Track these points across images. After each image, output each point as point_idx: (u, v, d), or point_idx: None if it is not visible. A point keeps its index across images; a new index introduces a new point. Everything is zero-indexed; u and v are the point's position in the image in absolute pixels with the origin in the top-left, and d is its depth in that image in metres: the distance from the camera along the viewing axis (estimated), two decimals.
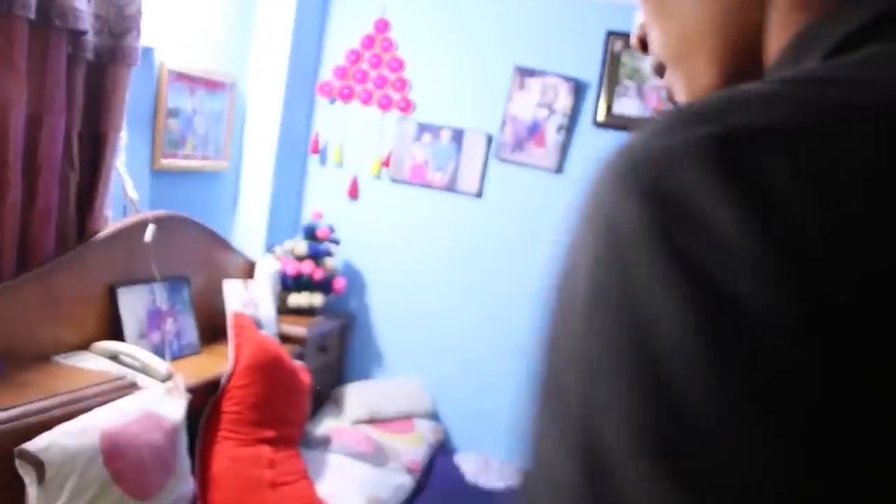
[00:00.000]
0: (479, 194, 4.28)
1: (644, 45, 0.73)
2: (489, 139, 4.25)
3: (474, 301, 4.31)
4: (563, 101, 4.11)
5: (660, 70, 0.71)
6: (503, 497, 3.75)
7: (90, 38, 2.51)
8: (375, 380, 4.38)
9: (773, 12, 0.60)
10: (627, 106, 4.07)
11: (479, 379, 4.30)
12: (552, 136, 4.14)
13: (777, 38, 0.60)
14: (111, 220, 2.82)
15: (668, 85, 0.71)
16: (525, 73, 4.13)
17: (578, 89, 4.12)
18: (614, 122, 4.02)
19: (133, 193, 2.97)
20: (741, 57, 0.63)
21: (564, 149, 4.13)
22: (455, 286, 4.33)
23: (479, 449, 4.21)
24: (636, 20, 0.74)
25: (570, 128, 4.13)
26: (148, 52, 3.14)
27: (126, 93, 2.70)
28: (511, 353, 4.25)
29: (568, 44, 4.13)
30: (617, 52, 4.08)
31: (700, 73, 0.66)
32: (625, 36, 4.07)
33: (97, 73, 2.62)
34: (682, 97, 0.69)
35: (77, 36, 2.46)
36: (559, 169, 4.14)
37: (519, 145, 4.18)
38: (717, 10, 0.63)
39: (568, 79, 4.11)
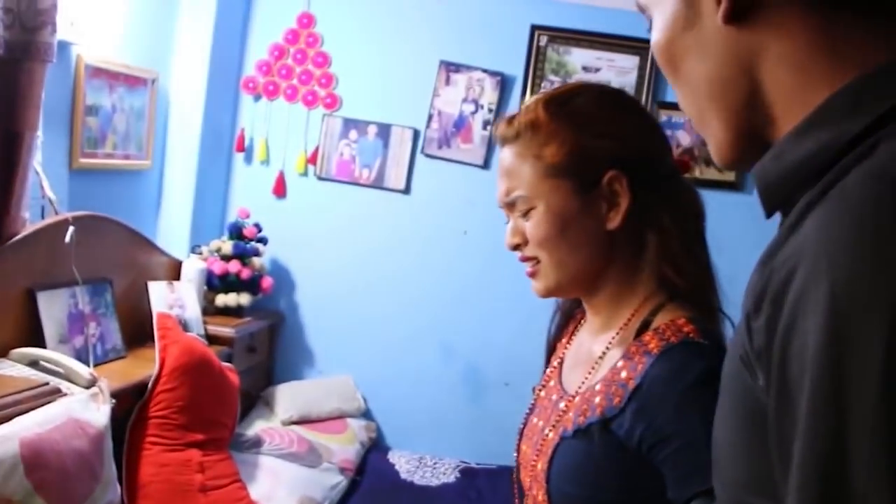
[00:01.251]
0: (406, 190, 4.27)
1: None
2: (416, 134, 4.24)
3: (404, 297, 4.30)
4: (489, 95, 4.13)
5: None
6: (437, 494, 3.75)
7: (0, 34, 2.43)
8: (306, 380, 4.34)
9: (766, 77, 0.73)
10: None
11: (411, 376, 4.29)
12: (478, 131, 4.16)
13: (785, 93, 0.72)
14: (29, 221, 2.73)
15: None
16: (451, 67, 4.13)
17: (504, 84, 4.14)
18: None
19: (51, 194, 2.88)
20: (747, 115, 0.75)
21: (491, 144, 4.14)
22: (384, 283, 4.31)
23: (413, 447, 4.21)
24: None
25: (495, 122, 4.13)
26: (65, 46, 3.05)
27: (41, 90, 2.62)
28: (442, 348, 4.26)
29: (493, 38, 4.14)
30: (542, 46, 4.11)
31: (715, 131, 0.78)
32: (549, 30, 4.10)
33: (10, 70, 2.53)
34: (709, 143, 0.81)
35: None
36: (486, 164, 4.16)
37: (445, 140, 4.18)
38: (712, 78, 0.76)
39: (493, 73, 4.12)
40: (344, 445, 3.88)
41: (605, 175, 1.25)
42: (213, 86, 4.06)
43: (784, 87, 0.72)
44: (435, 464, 4.01)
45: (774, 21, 0.71)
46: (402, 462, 3.99)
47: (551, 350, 1.50)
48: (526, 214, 1.31)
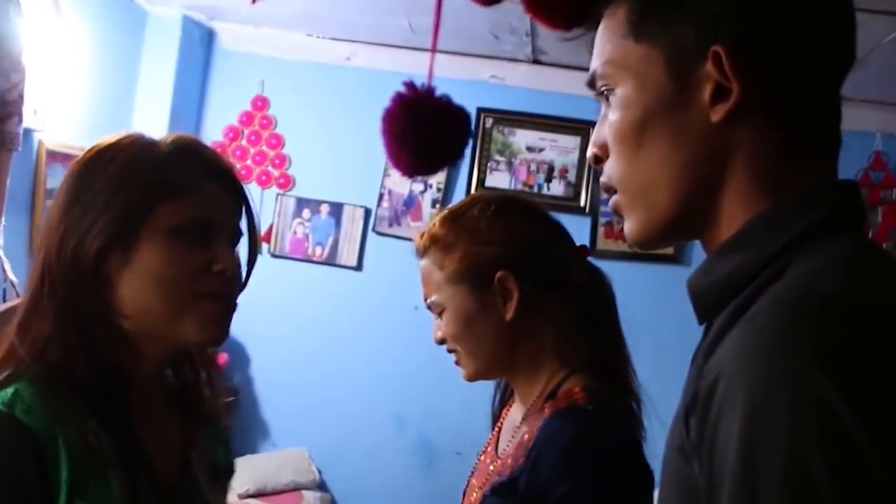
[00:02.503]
0: (358, 267, 4.39)
1: (598, 161, 0.90)
2: (367, 213, 4.37)
3: (357, 370, 4.38)
4: (438, 175, 4.27)
5: (607, 189, 0.89)
6: None
7: None
8: (261, 453, 4.37)
9: (730, 177, 0.80)
10: (499, 179, 4.27)
11: (365, 447, 4.35)
12: (428, 210, 4.30)
13: (735, 203, 0.80)
14: None
15: (616, 203, 0.88)
16: None
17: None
18: None
19: (13, 277, 2.95)
20: (695, 203, 0.82)
21: None
22: (337, 357, 4.39)
23: None
24: (593, 138, 0.90)
25: (444, 201, 4.29)
26: (27, 133, 3.15)
27: (7, 177, 2.72)
28: (394, 419, 4.33)
29: None
30: (487, 127, 4.29)
31: (661, 206, 0.83)
32: (494, 112, 4.28)
33: None
34: (634, 218, 0.86)
35: None
36: None
37: (396, 219, 4.32)
38: (684, 165, 0.81)
39: None
40: None
41: (496, 275, 1.42)
42: None
43: (740, 190, 0.80)
44: None
45: (752, 126, 0.79)
46: None
47: (495, 419, 1.64)
48: (441, 315, 1.48)
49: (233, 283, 1.18)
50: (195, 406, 1.27)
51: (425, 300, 1.50)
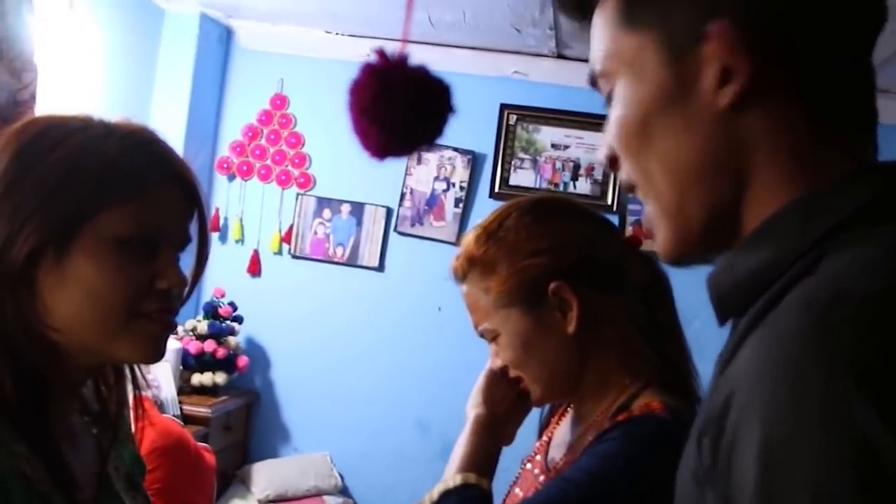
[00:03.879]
0: (380, 268, 4.32)
1: (613, 163, 0.80)
2: (388, 213, 4.30)
3: (379, 374, 4.32)
4: (461, 174, 4.21)
5: (629, 188, 0.79)
6: None
7: None
8: (282, 457, 4.33)
9: (752, 168, 0.70)
10: (523, 177, 4.19)
11: (388, 452, 4.29)
12: (451, 209, 4.23)
13: (760, 197, 0.70)
14: None
15: (647, 217, 0.79)
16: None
17: (475, 162, 4.22)
18: (511, 194, 4.11)
19: None
20: (727, 202, 0.72)
21: (463, 221, 4.21)
22: (359, 359, 4.33)
23: None
24: (604, 139, 0.80)
25: (467, 200, 4.21)
26: None
27: None
28: (418, 424, 4.26)
29: (463, 117, 4.15)
30: (511, 124, 4.21)
31: (684, 213, 0.74)
32: (518, 108, 4.20)
33: None
34: (661, 231, 0.77)
35: None
36: (458, 241, 4.20)
37: (418, 218, 4.25)
38: (699, 160, 0.72)
39: (464, 152, 4.21)
40: None
41: (549, 287, 1.29)
42: None
43: (766, 183, 0.70)
44: None
45: (770, 112, 0.70)
46: None
47: (543, 427, 1.54)
48: (497, 341, 1.36)
49: (176, 303, 1.06)
50: (110, 418, 1.15)
51: (476, 327, 1.37)
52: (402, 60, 1.30)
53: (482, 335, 1.38)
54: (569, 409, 1.49)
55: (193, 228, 1.10)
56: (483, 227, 1.38)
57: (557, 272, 1.29)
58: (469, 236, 1.38)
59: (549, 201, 1.44)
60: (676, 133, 0.72)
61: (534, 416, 1.52)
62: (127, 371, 1.16)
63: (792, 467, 0.53)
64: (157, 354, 1.05)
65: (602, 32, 0.79)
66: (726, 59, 0.69)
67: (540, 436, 1.53)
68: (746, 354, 0.61)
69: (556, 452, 1.40)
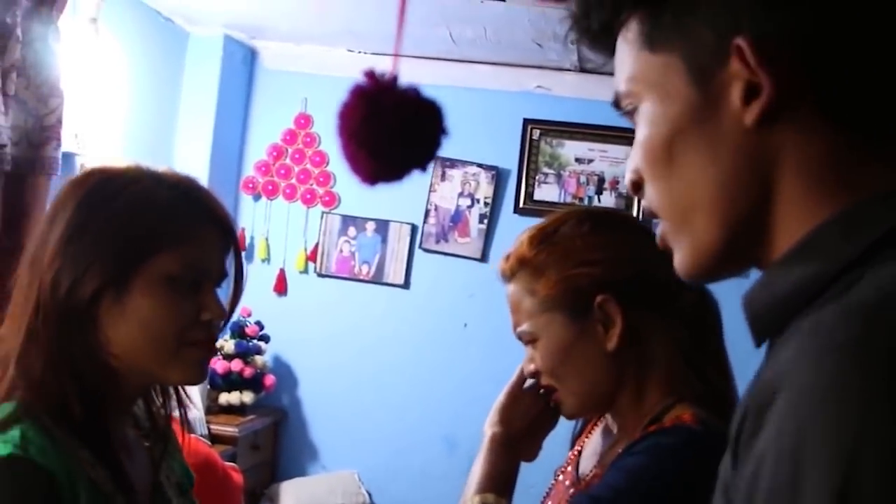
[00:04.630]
0: (405, 285, 4.32)
1: (637, 188, 0.80)
2: (413, 230, 4.31)
3: (406, 391, 4.31)
4: (485, 189, 4.21)
5: (650, 215, 0.80)
6: None
7: (8, 150, 2.51)
8: (310, 476, 4.32)
9: (780, 188, 0.69)
10: (547, 192, 4.18)
11: (416, 470, 4.28)
12: (475, 225, 4.22)
13: (791, 217, 0.69)
14: None
15: (662, 233, 0.79)
16: (446, 163, 4.22)
17: (499, 177, 4.22)
18: (535, 209, 4.11)
19: None
20: (748, 224, 0.71)
21: (487, 237, 4.20)
22: (386, 377, 4.33)
23: None
24: (629, 164, 0.80)
25: (492, 216, 4.21)
26: (69, 157, 3.13)
27: (46, 203, 2.69)
28: (445, 441, 4.25)
29: (486, 133, 4.23)
30: (535, 139, 4.20)
31: (702, 234, 0.74)
32: (541, 123, 4.20)
33: (16, 185, 2.61)
34: (680, 250, 0.77)
35: None
36: (483, 257, 4.21)
37: (443, 235, 4.25)
38: (723, 180, 0.71)
39: (488, 168, 4.21)
40: None
41: (596, 300, 1.26)
42: (212, 187, 4.06)
43: (794, 200, 0.69)
44: None
45: (797, 126, 0.68)
46: None
47: (575, 437, 1.52)
48: (534, 345, 1.34)
49: (217, 332, 1.24)
50: (160, 431, 1.31)
51: (514, 329, 1.36)
52: (391, 82, 1.27)
53: (520, 337, 1.36)
54: (598, 423, 1.47)
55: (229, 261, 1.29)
56: (539, 229, 1.36)
57: (606, 285, 1.27)
58: (524, 236, 1.36)
59: (610, 214, 1.42)
60: (702, 151, 0.72)
61: (568, 425, 1.51)
62: (171, 391, 1.33)
63: (815, 481, 0.52)
64: (202, 376, 1.23)
65: (626, 55, 0.79)
66: (750, 76, 0.67)
67: (572, 446, 1.51)
68: (783, 362, 0.59)
69: (587, 464, 1.39)
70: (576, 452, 1.47)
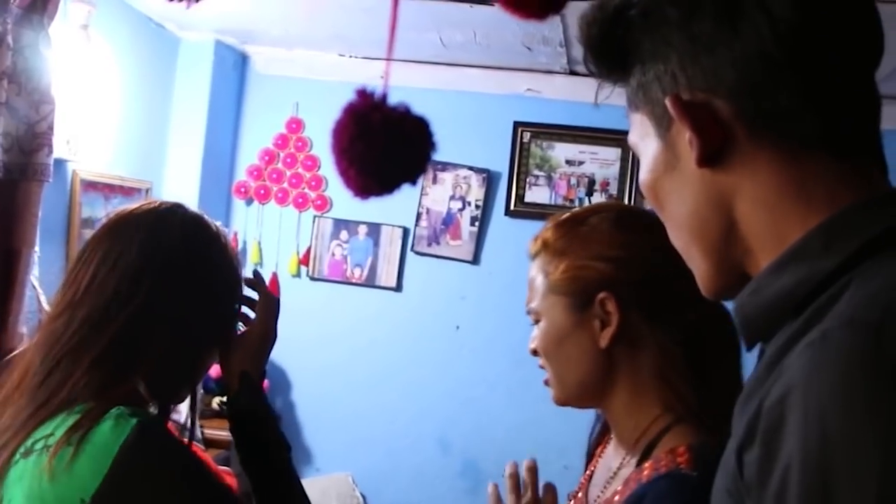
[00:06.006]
0: (397, 288, 4.33)
1: None
2: (405, 233, 4.32)
3: (399, 393, 4.33)
4: (476, 192, 4.22)
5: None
6: None
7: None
8: (304, 479, 4.30)
9: (741, 216, 0.77)
10: (538, 194, 4.20)
11: (409, 471, 4.29)
12: (467, 228, 4.24)
13: (760, 231, 0.76)
14: (27, 336, 2.78)
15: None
16: (437, 166, 4.23)
17: (490, 180, 4.23)
18: (526, 211, 4.13)
19: (47, 306, 2.93)
20: (727, 250, 0.80)
21: (479, 239, 4.22)
22: (379, 379, 4.34)
23: None
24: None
25: (483, 218, 4.23)
26: (61, 164, 3.15)
27: (38, 208, 2.70)
28: (438, 443, 4.26)
29: (477, 136, 4.24)
30: (525, 142, 4.22)
31: (699, 263, 0.84)
32: (532, 126, 4.22)
33: (8, 190, 2.61)
34: (694, 273, 0.86)
35: None
36: (475, 259, 4.23)
37: (435, 238, 4.27)
38: (692, 217, 0.82)
39: (479, 170, 4.22)
40: None
41: (598, 296, 1.27)
42: (205, 192, 4.15)
43: (758, 225, 0.76)
44: None
45: (747, 163, 0.75)
46: None
47: (590, 455, 1.52)
48: (538, 325, 1.36)
49: None
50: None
51: (527, 304, 1.38)
52: (381, 101, 1.32)
53: (528, 313, 1.38)
54: (610, 439, 1.46)
55: None
56: (570, 216, 1.37)
57: (612, 284, 1.27)
58: (554, 219, 1.38)
59: (638, 214, 1.38)
60: (676, 194, 0.83)
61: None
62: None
63: (850, 471, 0.56)
64: None
65: (627, 114, 0.90)
66: (688, 125, 0.76)
67: (587, 466, 1.51)
68: (793, 373, 0.63)
69: (594, 489, 1.39)
70: (587, 475, 1.46)
